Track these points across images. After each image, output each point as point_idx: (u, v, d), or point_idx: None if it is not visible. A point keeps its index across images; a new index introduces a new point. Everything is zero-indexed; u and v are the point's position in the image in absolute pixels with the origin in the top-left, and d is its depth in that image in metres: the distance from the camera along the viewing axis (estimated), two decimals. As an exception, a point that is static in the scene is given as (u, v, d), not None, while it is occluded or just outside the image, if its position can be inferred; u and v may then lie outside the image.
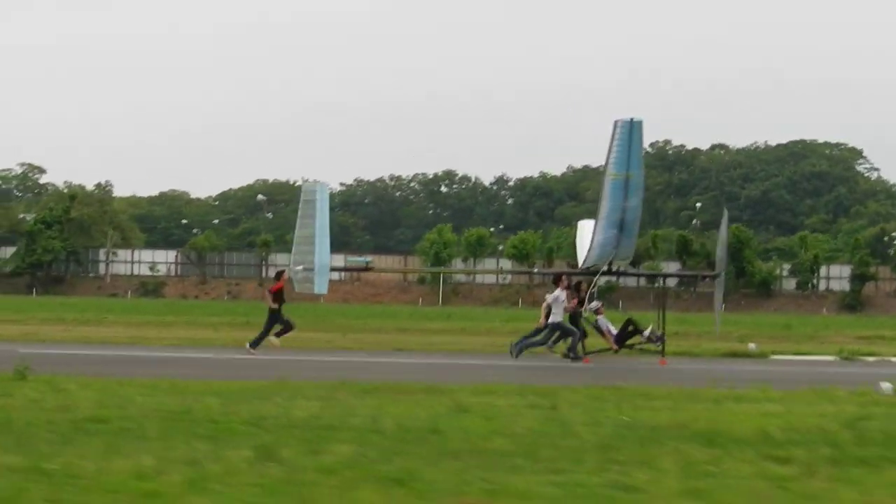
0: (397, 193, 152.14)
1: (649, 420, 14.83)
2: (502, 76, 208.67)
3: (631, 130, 27.40)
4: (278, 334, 33.53)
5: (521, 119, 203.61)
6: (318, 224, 37.54)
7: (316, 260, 36.67)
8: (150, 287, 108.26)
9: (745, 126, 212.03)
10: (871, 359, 35.35)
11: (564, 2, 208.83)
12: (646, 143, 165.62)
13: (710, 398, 18.45)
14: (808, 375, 25.17)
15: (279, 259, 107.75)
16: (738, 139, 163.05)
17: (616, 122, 27.55)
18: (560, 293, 32.92)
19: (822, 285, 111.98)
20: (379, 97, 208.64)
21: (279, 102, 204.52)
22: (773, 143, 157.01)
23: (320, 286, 37.75)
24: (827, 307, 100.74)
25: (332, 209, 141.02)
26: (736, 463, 11.36)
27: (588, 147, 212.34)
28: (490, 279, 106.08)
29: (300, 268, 36.81)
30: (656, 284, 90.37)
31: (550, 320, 32.73)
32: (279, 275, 36.36)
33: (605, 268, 35.15)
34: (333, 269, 39.33)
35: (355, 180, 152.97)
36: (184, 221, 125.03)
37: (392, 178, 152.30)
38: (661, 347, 33.39)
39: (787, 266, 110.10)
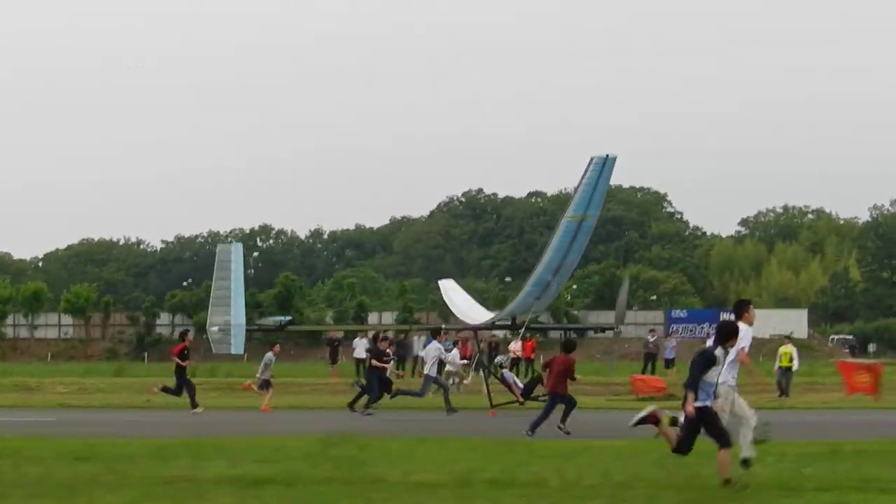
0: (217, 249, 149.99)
1: None
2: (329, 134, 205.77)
3: (603, 167, 25.71)
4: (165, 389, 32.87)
5: (351, 172, 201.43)
6: (234, 284, 36.76)
7: (232, 320, 35.96)
8: None
9: (564, 172, 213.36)
10: None
11: (369, 61, 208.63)
12: (459, 193, 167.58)
13: None
14: None
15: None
16: (554, 186, 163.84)
17: (591, 159, 25.84)
18: (435, 345, 32.53)
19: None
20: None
21: (98, 161, 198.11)
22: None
23: (237, 347, 36.98)
24: None
25: (151, 268, 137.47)
26: None
27: (410, 199, 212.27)
28: (52, 333, 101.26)
29: (216, 329, 35.96)
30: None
31: (426, 372, 32.25)
32: (183, 335, 35.39)
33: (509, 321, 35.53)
34: (249, 329, 38.63)
35: (176, 237, 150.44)
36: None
37: (210, 233, 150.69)
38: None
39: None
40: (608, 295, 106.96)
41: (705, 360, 13.87)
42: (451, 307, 43.27)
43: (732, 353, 15.21)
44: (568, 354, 24.22)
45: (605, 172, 25.71)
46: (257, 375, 33.11)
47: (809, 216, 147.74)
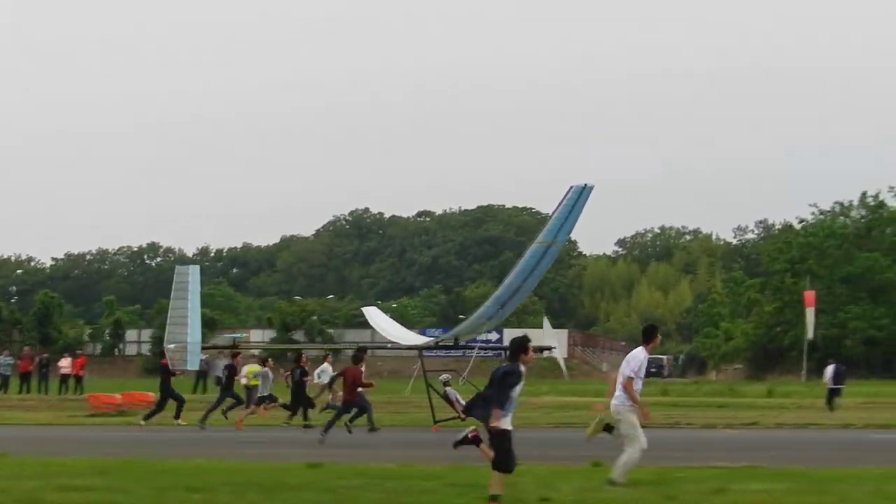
0: (106, 266, 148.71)
1: None
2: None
3: (580, 196, 25.47)
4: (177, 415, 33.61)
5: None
6: (191, 305, 37.83)
7: (188, 338, 37.06)
8: None
9: (455, 192, 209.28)
10: None
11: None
12: (346, 212, 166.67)
13: None
14: None
15: None
16: (444, 205, 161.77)
17: (570, 187, 25.63)
18: (326, 366, 34.71)
19: (133, 350, 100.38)
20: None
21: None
22: (465, 207, 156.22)
23: (192, 363, 38.10)
24: (133, 370, 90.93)
25: (38, 284, 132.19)
26: None
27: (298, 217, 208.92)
28: None
29: (172, 346, 37.04)
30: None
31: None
32: (163, 353, 36.54)
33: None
34: (204, 348, 39.73)
35: (66, 254, 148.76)
36: None
37: (99, 251, 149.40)
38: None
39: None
40: (452, 314, 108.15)
41: (518, 378, 13.67)
42: (380, 332, 42.62)
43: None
44: (356, 365, 27.44)
45: (581, 201, 25.67)
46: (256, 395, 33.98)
47: (687, 237, 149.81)
